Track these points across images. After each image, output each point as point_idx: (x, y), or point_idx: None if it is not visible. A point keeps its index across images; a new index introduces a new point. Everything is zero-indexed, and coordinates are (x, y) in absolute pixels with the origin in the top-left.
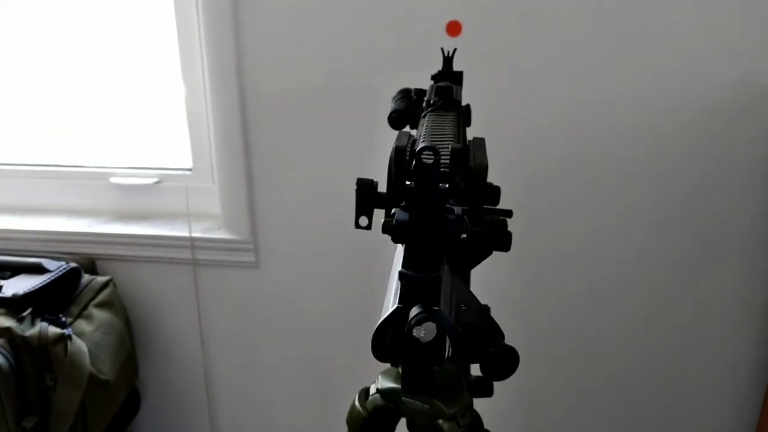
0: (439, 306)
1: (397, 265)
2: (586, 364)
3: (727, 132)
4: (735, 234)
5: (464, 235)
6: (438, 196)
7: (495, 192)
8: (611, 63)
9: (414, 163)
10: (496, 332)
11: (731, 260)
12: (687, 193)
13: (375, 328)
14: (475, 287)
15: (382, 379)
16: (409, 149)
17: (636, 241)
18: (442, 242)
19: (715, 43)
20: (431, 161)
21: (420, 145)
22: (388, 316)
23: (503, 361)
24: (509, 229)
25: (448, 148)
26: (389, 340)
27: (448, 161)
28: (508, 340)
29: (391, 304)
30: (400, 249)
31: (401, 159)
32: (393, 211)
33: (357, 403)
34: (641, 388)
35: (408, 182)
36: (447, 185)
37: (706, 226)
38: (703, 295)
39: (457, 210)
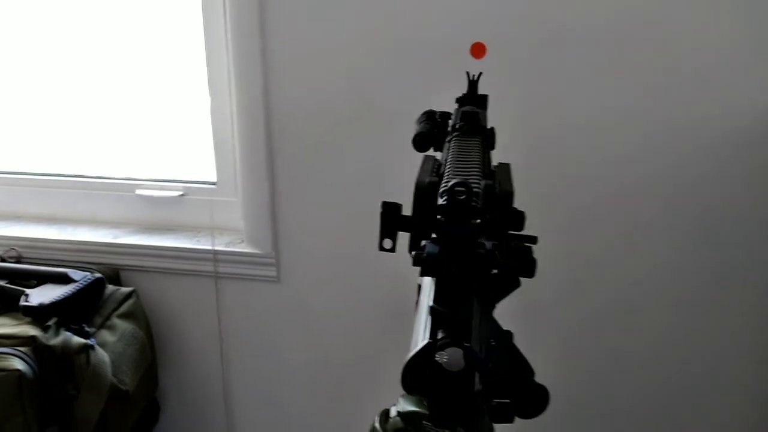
0: (470, 342)
1: (425, 297)
2: (607, 383)
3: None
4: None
5: (495, 271)
6: (469, 231)
7: (520, 217)
8: (636, 85)
9: (446, 198)
10: (527, 369)
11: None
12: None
13: (405, 362)
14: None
15: (403, 402)
16: (434, 174)
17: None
18: (472, 277)
19: (742, 63)
20: (463, 197)
21: (452, 181)
22: (418, 351)
23: (533, 400)
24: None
25: (479, 180)
26: (419, 373)
27: (479, 190)
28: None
29: (420, 338)
30: (426, 280)
31: (431, 191)
32: (423, 243)
33: (377, 425)
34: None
35: (439, 216)
36: (478, 221)
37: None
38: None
39: (488, 244)
